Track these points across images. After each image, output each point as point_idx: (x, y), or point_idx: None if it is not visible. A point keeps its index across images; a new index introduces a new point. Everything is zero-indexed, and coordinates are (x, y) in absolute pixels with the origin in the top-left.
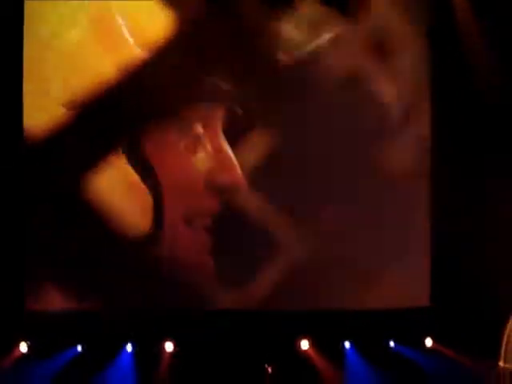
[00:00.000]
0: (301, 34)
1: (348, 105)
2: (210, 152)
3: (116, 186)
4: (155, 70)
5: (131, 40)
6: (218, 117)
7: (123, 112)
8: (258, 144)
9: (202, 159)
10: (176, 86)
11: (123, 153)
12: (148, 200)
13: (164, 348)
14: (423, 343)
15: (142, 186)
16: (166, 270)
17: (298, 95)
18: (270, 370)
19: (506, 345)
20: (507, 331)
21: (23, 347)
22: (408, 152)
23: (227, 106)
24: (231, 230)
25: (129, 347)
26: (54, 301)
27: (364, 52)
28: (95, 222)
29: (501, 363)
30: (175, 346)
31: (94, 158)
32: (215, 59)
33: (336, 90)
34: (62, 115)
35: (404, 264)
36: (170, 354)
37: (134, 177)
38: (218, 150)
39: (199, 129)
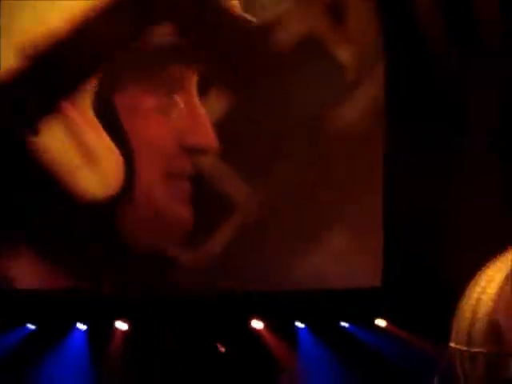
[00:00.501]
0: None
1: (304, 67)
2: (183, 112)
3: (80, 145)
4: (108, 23)
5: None
6: (192, 77)
7: (81, 66)
8: (215, 105)
9: (175, 120)
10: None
11: (94, 112)
12: (119, 161)
13: (116, 327)
14: (376, 324)
15: (113, 146)
16: (132, 237)
17: (257, 57)
18: (222, 349)
19: (456, 325)
20: (457, 312)
21: None
22: (361, 114)
23: (200, 67)
24: (198, 190)
25: (81, 326)
26: (7, 276)
27: (320, 14)
28: (51, 182)
29: (452, 344)
30: (128, 324)
31: (47, 111)
32: (173, 19)
33: (293, 52)
34: (16, 65)
35: (356, 243)
36: (123, 332)
37: (104, 136)
38: (192, 111)
39: (173, 89)
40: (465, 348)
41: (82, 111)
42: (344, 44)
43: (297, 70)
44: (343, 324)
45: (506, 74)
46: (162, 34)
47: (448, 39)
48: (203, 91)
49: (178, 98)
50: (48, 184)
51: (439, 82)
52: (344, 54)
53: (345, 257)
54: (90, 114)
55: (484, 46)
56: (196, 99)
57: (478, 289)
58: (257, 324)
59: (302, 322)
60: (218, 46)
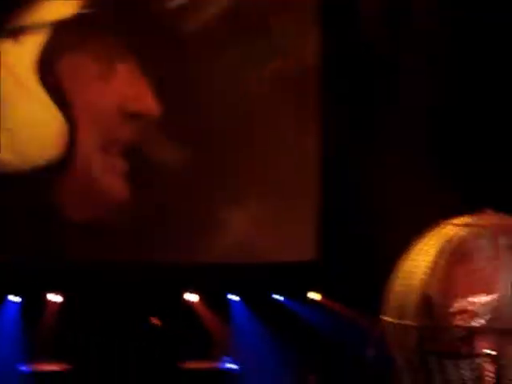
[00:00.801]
0: None
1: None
2: (125, 80)
3: (24, 112)
4: None
5: None
6: (132, 47)
7: None
8: (153, 73)
9: (116, 87)
10: None
11: (36, 75)
12: (61, 127)
13: (50, 299)
14: (310, 297)
15: (55, 112)
16: (68, 208)
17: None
18: (156, 322)
19: (389, 298)
20: (390, 285)
21: None
22: (294, 79)
23: (137, 38)
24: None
25: (14, 298)
26: None
27: None
28: None
29: (384, 317)
30: (62, 296)
31: None
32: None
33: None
34: None
35: (290, 216)
36: (57, 304)
37: (47, 102)
38: (133, 78)
39: (114, 56)
40: (397, 321)
41: (23, 72)
42: (277, 10)
43: (227, 41)
44: (277, 297)
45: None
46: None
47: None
48: (143, 60)
49: (119, 66)
50: None
51: (370, 47)
52: (276, 21)
53: (279, 229)
54: (32, 76)
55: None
56: (137, 67)
57: (410, 262)
58: (190, 297)
59: (235, 295)
60: (152, 19)
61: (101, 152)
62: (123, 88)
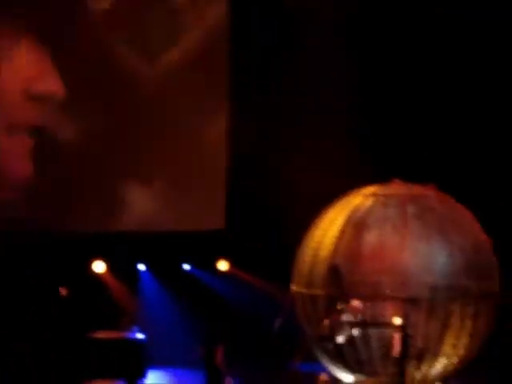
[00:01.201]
0: None
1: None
2: (27, 60)
3: None
4: None
5: None
6: (37, 26)
7: None
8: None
9: (20, 66)
10: None
11: None
12: None
13: None
14: (218, 266)
15: None
16: None
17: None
18: (64, 292)
19: (298, 268)
20: (299, 254)
21: None
22: (201, 53)
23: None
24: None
25: None
26: None
27: None
28: None
29: (293, 286)
30: None
31: None
32: None
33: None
34: None
35: (198, 185)
36: None
37: None
38: (38, 58)
39: (16, 36)
40: (306, 290)
41: None
42: None
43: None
44: (185, 266)
45: None
46: None
47: None
48: (47, 40)
49: (22, 46)
50: None
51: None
52: None
53: (187, 199)
54: None
55: None
56: (40, 47)
57: (319, 232)
58: (98, 267)
59: (143, 265)
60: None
61: (5, 132)
62: (26, 68)
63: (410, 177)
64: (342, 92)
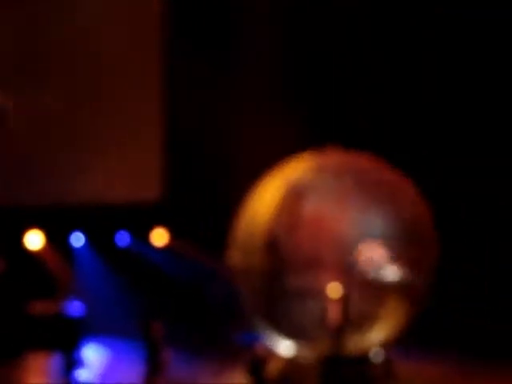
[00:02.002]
0: None
1: None
2: None
3: None
4: None
5: None
6: None
7: None
8: None
9: None
10: None
11: None
12: None
13: None
14: (155, 237)
15: None
16: None
17: None
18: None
19: (235, 238)
20: (236, 224)
21: None
22: (135, 31)
23: None
24: None
25: None
26: None
27: None
28: None
29: (230, 256)
30: None
31: None
32: None
33: None
34: None
35: (135, 156)
36: None
37: None
38: None
39: None
40: (243, 260)
41: None
42: None
43: None
44: (122, 238)
45: None
46: None
47: None
48: None
49: None
50: None
51: None
52: None
53: (125, 171)
54: None
55: None
56: None
57: (256, 202)
58: (34, 239)
59: (80, 237)
60: None
61: None
62: None
63: (347, 145)
64: (278, 65)
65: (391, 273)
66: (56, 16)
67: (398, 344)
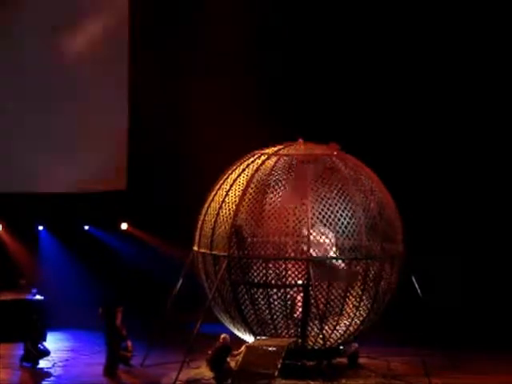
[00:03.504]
0: None
1: None
2: None
3: None
4: None
5: None
6: None
7: None
8: None
9: None
10: None
11: None
12: None
13: None
14: (119, 227)
15: None
16: None
17: None
18: None
19: (200, 229)
20: (201, 215)
21: None
22: (106, 25)
23: None
24: None
25: None
26: None
27: None
28: None
29: (195, 247)
30: None
31: None
32: None
33: None
34: None
35: (100, 146)
36: None
37: None
38: None
39: None
40: (208, 251)
41: None
42: None
43: None
44: (86, 227)
45: None
46: None
47: None
48: None
49: None
50: None
51: None
52: None
53: (88, 159)
54: None
55: None
56: None
57: (221, 192)
58: None
59: (44, 225)
60: None
61: None
62: None
63: (313, 137)
64: (243, 52)
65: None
66: None
67: (366, 336)
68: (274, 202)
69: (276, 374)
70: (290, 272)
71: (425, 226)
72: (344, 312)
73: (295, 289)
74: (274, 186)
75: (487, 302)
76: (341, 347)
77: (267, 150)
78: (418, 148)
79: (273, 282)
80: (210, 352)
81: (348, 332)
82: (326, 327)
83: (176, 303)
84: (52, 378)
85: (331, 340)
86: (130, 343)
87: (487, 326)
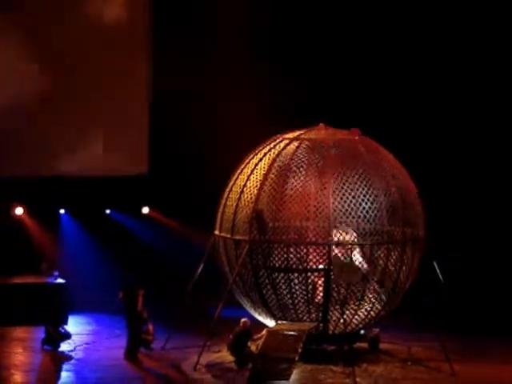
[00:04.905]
0: None
1: None
2: None
3: None
4: None
5: None
6: None
7: None
8: None
9: None
10: None
11: None
12: None
13: None
14: (140, 211)
15: None
16: None
17: None
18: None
19: (221, 213)
20: (222, 200)
21: None
22: (124, 11)
23: None
24: None
25: None
26: None
27: None
28: None
29: (216, 231)
30: None
31: None
32: None
33: None
34: None
35: (122, 131)
36: None
37: None
38: None
39: None
40: (229, 236)
41: None
42: None
43: None
44: (107, 211)
45: None
46: None
47: None
48: None
49: None
50: None
51: None
52: None
53: (110, 143)
54: None
55: None
56: None
57: (242, 176)
58: (18, 211)
59: (65, 209)
60: None
61: None
62: None
63: (336, 122)
64: (266, 38)
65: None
66: None
67: (382, 324)
68: (295, 186)
69: (297, 358)
70: (311, 256)
71: (446, 211)
72: (365, 297)
73: (316, 273)
74: (295, 171)
75: (509, 289)
76: (362, 332)
77: (289, 135)
78: (440, 134)
79: (294, 266)
80: (230, 336)
81: (369, 317)
82: (347, 312)
83: (197, 287)
84: (73, 361)
85: (352, 325)
86: (151, 327)
87: (508, 311)
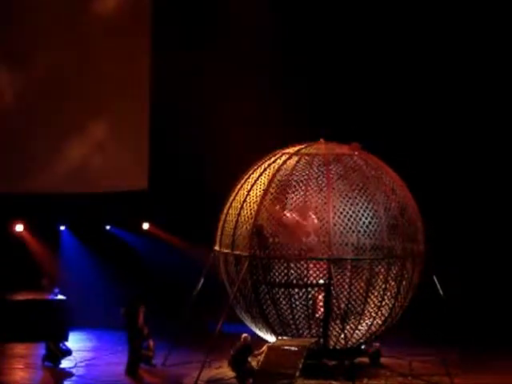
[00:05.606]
0: None
1: None
2: None
3: None
4: None
5: None
6: None
7: None
8: None
9: None
10: None
11: None
12: None
13: None
14: (140, 226)
15: None
16: None
17: None
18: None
19: (221, 229)
20: (222, 215)
21: None
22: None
23: None
24: None
25: None
26: None
27: None
28: None
29: (216, 247)
30: None
31: None
32: None
33: None
34: None
35: (122, 146)
36: None
37: None
38: None
39: None
40: (229, 251)
41: None
42: None
43: None
44: (108, 226)
45: None
46: None
47: None
48: None
49: None
50: None
51: None
52: None
53: (110, 158)
54: None
55: None
56: None
57: (243, 191)
58: (18, 228)
59: (65, 225)
60: None
61: None
62: None
63: (336, 137)
64: (267, 51)
65: None
66: None
67: (383, 339)
68: (295, 201)
69: (297, 374)
70: (311, 272)
71: (446, 226)
72: (365, 311)
73: (317, 288)
74: (295, 186)
75: (509, 301)
76: (362, 347)
77: (288, 150)
78: (440, 149)
79: (294, 281)
80: (231, 352)
81: (370, 331)
82: (348, 327)
83: (197, 303)
84: (74, 378)
85: (353, 340)
86: (151, 342)
87: (508, 324)
